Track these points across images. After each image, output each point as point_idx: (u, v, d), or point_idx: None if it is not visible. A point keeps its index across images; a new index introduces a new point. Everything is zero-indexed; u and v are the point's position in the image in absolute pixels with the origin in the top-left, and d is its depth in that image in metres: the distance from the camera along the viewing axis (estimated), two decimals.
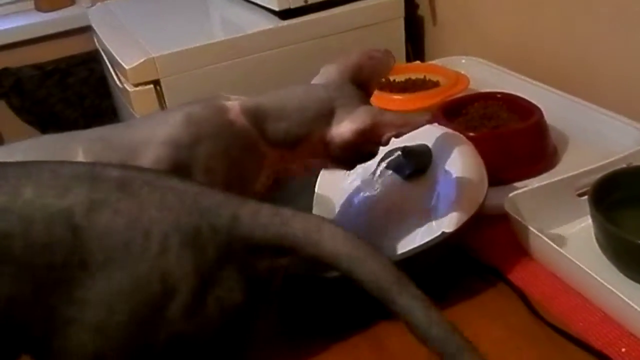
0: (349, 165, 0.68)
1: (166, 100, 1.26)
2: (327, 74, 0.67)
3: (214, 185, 0.54)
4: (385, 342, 0.68)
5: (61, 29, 1.92)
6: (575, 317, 0.67)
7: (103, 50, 1.51)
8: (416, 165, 0.75)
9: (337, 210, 0.82)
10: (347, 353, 0.67)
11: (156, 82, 1.25)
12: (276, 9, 1.33)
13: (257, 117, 0.62)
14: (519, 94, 1.00)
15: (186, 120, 0.59)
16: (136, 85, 1.25)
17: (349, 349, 0.67)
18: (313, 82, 0.68)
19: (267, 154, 0.63)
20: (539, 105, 0.96)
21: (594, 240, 0.74)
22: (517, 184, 0.86)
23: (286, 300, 0.74)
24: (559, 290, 0.71)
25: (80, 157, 0.55)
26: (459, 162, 0.73)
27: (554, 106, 1.02)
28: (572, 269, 0.69)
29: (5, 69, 1.97)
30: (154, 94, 1.25)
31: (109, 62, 1.45)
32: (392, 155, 0.76)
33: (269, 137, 0.62)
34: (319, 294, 0.70)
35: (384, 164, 0.77)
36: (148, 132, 0.58)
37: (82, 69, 1.98)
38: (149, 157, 0.57)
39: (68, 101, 2.02)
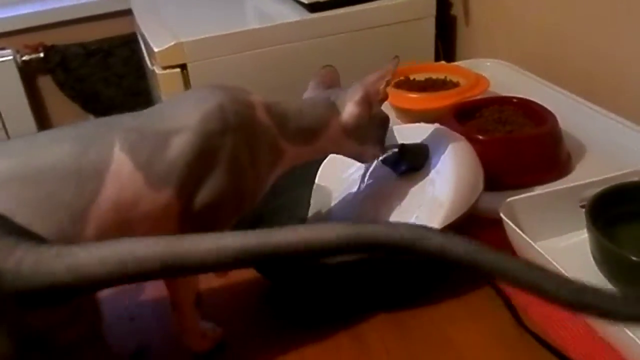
0: (377, 141, 0.73)
1: (192, 85, 1.28)
2: (312, 90, 0.76)
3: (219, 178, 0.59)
4: (365, 336, 0.68)
5: (106, 10, 1.98)
6: (557, 327, 0.66)
7: (139, 33, 1.54)
8: (411, 163, 0.75)
9: (333, 200, 0.82)
10: (328, 345, 0.68)
11: (183, 66, 1.28)
12: (305, 1, 1.34)
13: (278, 115, 0.66)
14: (540, 100, 0.98)
15: (218, 110, 0.62)
16: (164, 68, 1.28)
17: (329, 341, 0.68)
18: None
19: (285, 151, 0.67)
20: (559, 113, 0.94)
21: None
22: (524, 191, 0.85)
23: (270, 290, 0.76)
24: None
25: (117, 146, 0.57)
26: (454, 163, 0.73)
27: (575, 114, 1.01)
28: None
29: (53, 46, 2.04)
30: (180, 78, 1.28)
31: (143, 44, 1.49)
32: (389, 151, 0.76)
33: (288, 134, 0.66)
34: (302, 284, 0.71)
35: (380, 159, 0.77)
36: (180, 120, 0.60)
37: (123, 50, 2.03)
38: (180, 144, 0.59)
39: (108, 80, 2.08)
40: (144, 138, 0.59)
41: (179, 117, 0.61)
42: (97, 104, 2.10)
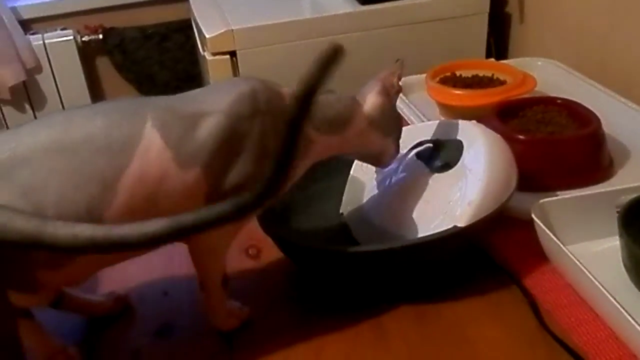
0: (396, 135, 0.76)
1: (240, 72, 1.31)
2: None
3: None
4: (386, 326, 0.69)
5: None
6: (581, 331, 0.66)
7: (193, 19, 1.58)
8: (445, 158, 0.75)
9: (366, 191, 0.83)
10: (349, 331, 0.69)
11: (233, 53, 1.30)
12: None
13: None
14: (588, 102, 0.97)
15: (250, 95, 0.63)
16: (214, 54, 1.31)
17: (350, 328, 0.69)
18: None
19: (315, 141, 0.67)
20: (606, 116, 0.93)
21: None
22: (562, 194, 0.84)
23: (297, 275, 0.77)
24: (572, 302, 0.69)
25: (149, 123, 0.60)
26: (486, 161, 0.72)
27: (622, 118, 0.99)
28: (586, 283, 0.67)
29: (112, 29, 2.10)
30: (229, 64, 1.30)
31: (196, 30, 1.52)
32: (424, 146, 0.77)
33: (316, 124, 0.67)
34: (328, 271, 0.72)
35: (414, 153, 0.77)
36: (212, 102, 0.62)
37: (179, 35, 2.08)
38: (210, 124, 0.61)
39: (163, 64, 2.13)
40: (176, 118, 0.61)
41: (211, 100, 0.63)
42: (152, 86, 2.16)
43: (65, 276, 0.61)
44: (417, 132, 0.84)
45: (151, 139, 0.59)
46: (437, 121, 0.87)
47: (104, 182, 0.57)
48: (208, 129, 0.61)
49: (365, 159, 0.76)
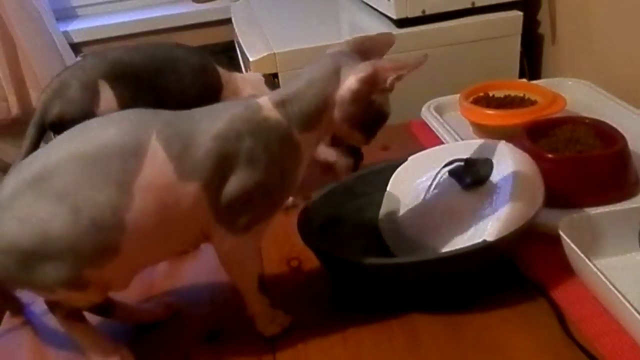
0: (365, 131, 0.72)
1: None
2: (334, 47, 0.74)
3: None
4: (418, 330, 0.74)
5: (208, 19, 2.11)
6: (605, 341, 0.69)
7: (237, 41, 1.65)
8: (476, 176, 0.80)
9: (401, 207, 0.88)
10: (384, 338, 0.73)
11: (275, 75, 1.36)
12: (394, 17, 1.40)
13: (284, 106, 0.69)
14: (616, 121, 1.00)
15: (231, 119, 0.68)
16: None
17: (385, 335, 0.74)
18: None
19: (300, 142, 0.70)
20: (633, 135, 0.96)
21: None
22: (589, 209, 0.87)
23: (335, 280, 0.82)
24: (597, 314, 0.73)
25: (154, 135, 0.66)
26: (514, 179, 0.77)
27: None
28: (610, 296, 0.70)
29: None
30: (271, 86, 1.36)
31: (240, 52, 1.59)
32: (456, 164, 0.81)
33: (295, 122, 0.69)
34: (364, 278, 0.77)
35: (446, 171, 0.82)
36: (205, 125, 0.68)
37: (223, 56, 2.15)
38: (203, 147, 0.67)
39: None
40: (176, 134, 0.66)
41: (205, 122, 0.68)
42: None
43: (109, 274, 0.67)
44: (450, 151, 0.88)
45: (156, 150, 0.65)
46: (469, 141, 0.91)
47: (120, 185, 0.64)
48: (203, 149, 0.66)
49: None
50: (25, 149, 0.98)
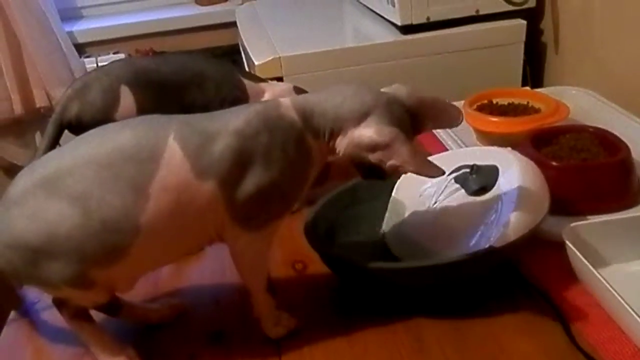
0: (361, 171, 0.74)
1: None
2: (396, 89, 0.74)
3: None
4: (423, 335, 0.74)
5: (212, 22, 2.12)
6: (608, 348, 0.70)
7: (242, 45, 1.66)
8: (482, 183, 0.80)
9: (407, 213, 0.89)
10: (389, 341, 0.74)
11: (280, 80, 1.37)
12: (398, 23, 1.41)
13: (304, 111, 0.71)
14: (619, 130, 1.00)
15: (248, 115, 0.69)
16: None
17: (390, 338, 0.74)
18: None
19: (312, 147, 0.71)
20: (637, 143, 0.97)
21: None
22: (593, 218, 0.88)
23: (340, 286, 0.83)
24: (601, 321, 0.73)
25: (172, 135, 0.67)
26: (520, 186, 0.78)
27: None
28: (614, 303, 0.71)
29: (162, 53, 2.19)
30: None
31: (245, 56, 1.60)
32: (462, 170, 0.82)
33: (310, 129, 0.71)
34: (371, 282, 0.78)
35: (452, 177, 0.83)
36: (223, 123, 0.69)
37: (226, 60, 2.16)
38: (221, 143, 0.67)
39: None
40: (194, 132, 0.67)
41: (225, 121, 0.69)
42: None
43: (116, 274, 0.68)
44: (456, 158, 0.89)
45: (173, 149, 0.66)
46: (475, 148, 0.92)
47: (136, 188, 0.64)
48: (220, 146, 0.67)
49: None
50: (43, 146, 0.98)
